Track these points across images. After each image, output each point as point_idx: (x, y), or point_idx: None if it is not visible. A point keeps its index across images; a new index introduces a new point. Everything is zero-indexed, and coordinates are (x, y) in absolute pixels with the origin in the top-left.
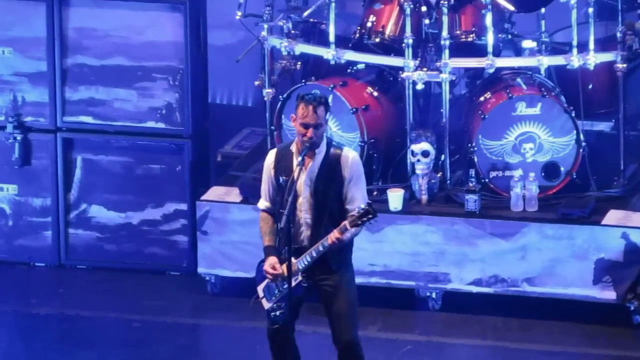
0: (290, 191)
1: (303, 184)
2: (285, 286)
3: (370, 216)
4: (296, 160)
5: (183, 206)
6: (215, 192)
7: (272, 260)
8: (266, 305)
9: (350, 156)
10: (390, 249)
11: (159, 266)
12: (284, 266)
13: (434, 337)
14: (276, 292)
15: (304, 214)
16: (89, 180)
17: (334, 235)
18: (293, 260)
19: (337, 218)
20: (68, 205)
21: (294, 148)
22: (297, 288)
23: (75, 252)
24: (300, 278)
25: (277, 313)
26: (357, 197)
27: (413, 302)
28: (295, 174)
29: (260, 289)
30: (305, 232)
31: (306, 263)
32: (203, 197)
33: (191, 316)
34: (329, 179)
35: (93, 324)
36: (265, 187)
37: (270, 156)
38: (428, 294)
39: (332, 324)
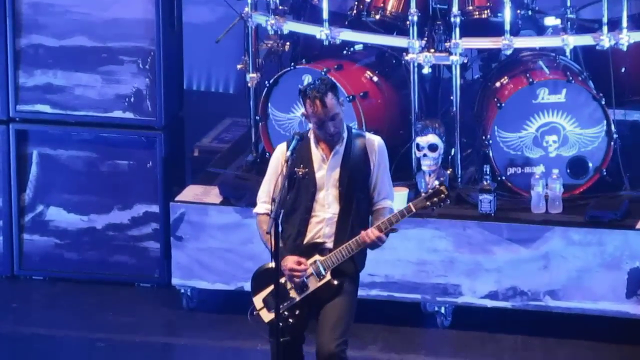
0: (309, 185)
1: (326, 175)
2: (305, 289)
3: (443, 196)
4: (313, 150)
5: (154, 208)
6: (191, 192)
7: (292, 257)
8: (267, 317)
9: (377, 141)
10: (393, 256)
11: (127, 277)
12: (312, 260)
13: (443, 358)
14: (290, 297)
15: (327, 209)
16: (46, 178)
17: (372, 232)
18: (319, 257)
19: (363, 210)
20: (22, 207)
21: (311, 137)
22: (322, 291)
23: (31, 261)
24: (328, 277)
25: (288, 323)
26: (385, 186)
27: (419, 318)
28: (312, 165)
29: (258, 300)
30: (325, 230)
31: (335, 261)
32: (177, 198)
33: (164, 334)
34: (356, 166)
35: (51, 344)
36: (268, 187)
37: (280, 151)
38: (436, 308)
39: (319, 332)
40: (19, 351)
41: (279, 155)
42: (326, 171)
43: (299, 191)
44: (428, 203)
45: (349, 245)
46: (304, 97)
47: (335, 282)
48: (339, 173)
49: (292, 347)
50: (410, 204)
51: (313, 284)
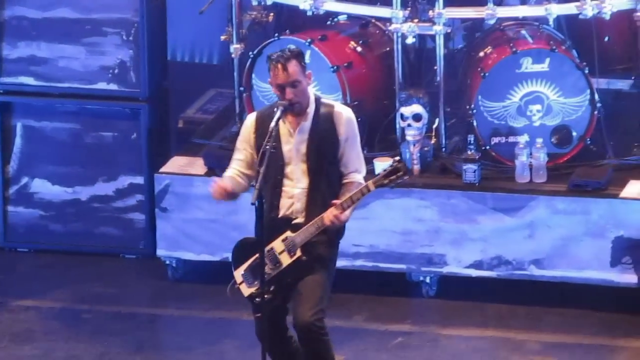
0: (263, 160)
1: (293, 149)
2: (278, 265)
3: (400, 174)
4: (280, 124)
5: (139, 179)
6: (176, 163)
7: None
8: (247, 291)
9: (345, 112)
10: (378, 226)
11: (112, 248)
12: (279, 240)
13: (429, 327)
14: (266, 273)
15: (296, 184)
16: (30, 150)
17: (330, 213)
18: (290, 233)
19: (334, 184)
20: (6, 179)
21: (276, 111)
22: (295, 266)
23: (16, 233)
24: (299, 253)
25: (263, 298)
26: (353, 159)
27: (404, 287)
28: (278, 139)
29: (238, 273)
30: (296, 205)
31: (304, 238)
32: (162, 169)
33: (150, 305)
34: (323, 139)
35: (37, 315)
36: (239, 156)
37: (250, 121)
38: (421, 278)
39: (295, 304)
40: (5, 323)
41: (248, 125)
42: (293, 145)
43: (268, 165)
44: (386, 181)
45: (315, 222)
46: (269, 62)
47: (304, 258)
48: (306, 147)
49: (274, 320)
50: (369, 182)
51: (285, 260)
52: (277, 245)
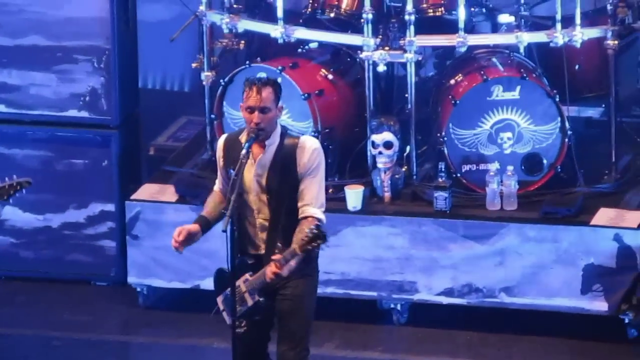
0: (235, 187)
1: (253, 179)
2: (244, 303)
3: (319, 241)
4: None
5: (110, 207)
6: (147, 191)
7: (186, 226)
8: (228, 320)
9: (308, 145)
10: (349, 254)
11: (83, 275)
12: (242, 280)
13: (400, 354)
14: (233, 306)
15: (257, 214)
16: (1, 177)
17: (270, 270)
18: (249, 277)
19: (295, 216)
20: None
21: (243, 138)
22: (255, 308)
23: None
24: (257, 298)
25: (240, 330)
26: (307, 193)
27: (375, 315)
28: (242, 167)
29: (220, 300)
30: (259, 235)
31: (258, 284)
32: (133, 197)
33: (120, 332)
34: (284, 172)
35: (7, 343)
36: (219, 175)
37: (220, 144)
38: (392, 305)
39: (278, 340)
40: None
41: (219, 146)
42: (253, 175)
43: (232, 191)
44: (309, 247)
45: (262, 273)
46: (245, 84)
47: (261, 300)
48: (265, 179)
49: (254, 348)
50: (295, 246)
51: (249, 301)
52: (241, 284)
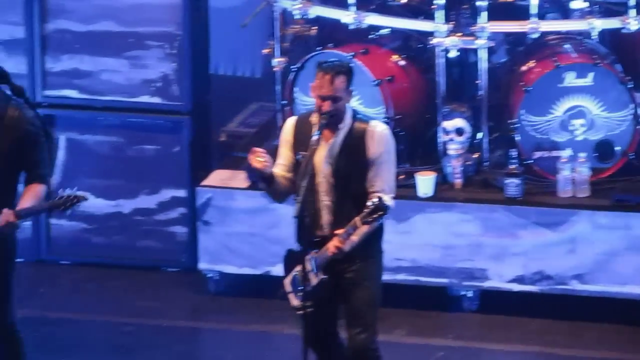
0: (306, 173)
1: (323, 161)
2: (308, 283)
3: (380, 212)
4: (314, 137)
5: (181, 193)
6: (218, 177)
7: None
8: (293, 302)
9: (378, 130)
10: (419, 241)
11: (153, 261)
12: (306, 259)
13: (470, 342)
14: (300, 287)
15: (324, 197)
16: (73, 163)
17: (332, 244)
18: (314, 254)
19: (360, 200)
20: (49, 192)
21: (314, 119)
22: (319, 287)
23: (58, 246)
24: (321, 276)
25: (305, 312)
26: (378, 179)
27: (445, 302)
28: (313, 153)
29: (287, 282)
30: (325, 218)
31: (322, 260)
32: (204, 182)
33: (191, 319)
34: (352, 156)
35: (78, 328)
36: (280, 160)
37: (289, 125)
38: (463, 292)
39: (347, 323)
40: (47, 335)
41: (288, 128)
42: (323, 157)
43: (304, 176)
44: (370, 219)
45: (326, 248)
46: (318, 68)
47: (325, 278)
48: (335, 160)
49: (322, 328)
50: (356, 218)
51: (313, 279)
52: (307, 263)
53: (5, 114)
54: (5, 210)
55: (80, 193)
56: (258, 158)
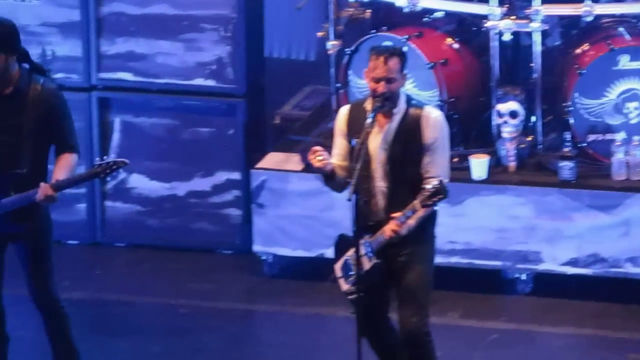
0: (360, 156)
1: (378, 147)
2: (361, 267)
3: (440, 196)
4: (367, 120)
5: (236, 175)
6: (272, 159)
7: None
8: (343, 287)
9: (433, 116)
10: (473, 224)
11: (208, 244)
12: (360, 244)
13: (524, 324)
14: (351, 272)
15: (379, 182)
16: (128, 145)
17: (389, 228)
18: (368, 238)
19: (415, 186)
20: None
21: (368, 105)
22: (373, 271)
23: (113, 228)
24: (374, 260)
25: (355, 297)
26: (433, 165)
27: (499, 285)
28: (368, 136)
29: (338, 267)
30: (380, 203)
31: (377, 244)
32: (259, 165)
33: (245, 301)
34: (407, 142)
35: (133, 310)
36: (335, 150)
37: (342, 114)
38: (517, 275)
39: (399, 305)
40: (102, 317)
41: (342, 116)
42: (378, 143)
43: (358, 160)
44: (429, 202)
45: (382, 232)
46: (371, 52)
47: (378, 262)
48: (389, 149)
49: (373, 313)
50: (415, 202)
51: (365, 264)
52: (360, 248)
53: (29, 90)
54: (43, 184)
55: (119, 159)
56: (318, 157)
